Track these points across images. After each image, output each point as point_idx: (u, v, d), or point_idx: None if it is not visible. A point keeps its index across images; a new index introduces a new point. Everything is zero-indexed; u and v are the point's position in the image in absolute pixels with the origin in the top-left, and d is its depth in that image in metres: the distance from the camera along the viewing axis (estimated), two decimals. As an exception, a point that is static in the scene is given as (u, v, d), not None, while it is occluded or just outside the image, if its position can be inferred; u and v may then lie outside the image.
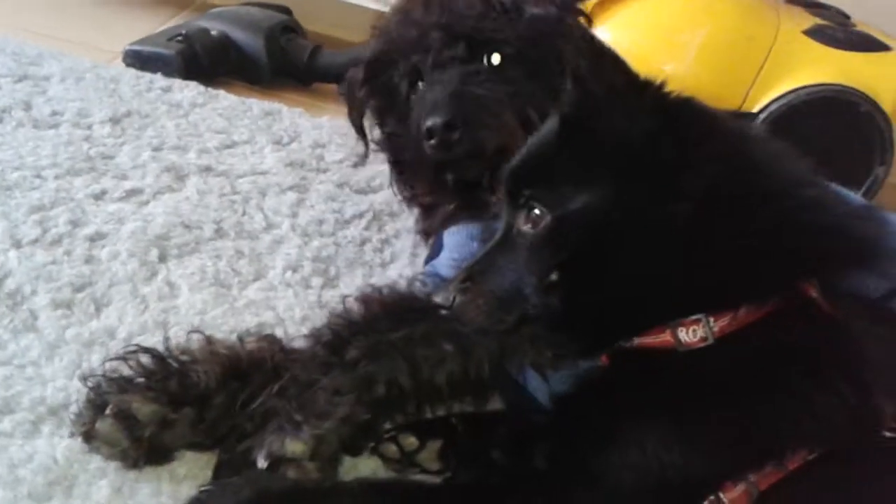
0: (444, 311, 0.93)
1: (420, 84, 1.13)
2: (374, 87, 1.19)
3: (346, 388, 0.85)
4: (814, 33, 1.59)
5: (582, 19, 1.20)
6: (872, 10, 1.74)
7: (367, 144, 1.27)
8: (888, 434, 0.65)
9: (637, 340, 0.74)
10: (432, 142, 1.05)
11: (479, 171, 1.10)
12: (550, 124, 0.78)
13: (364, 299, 0.96)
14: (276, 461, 0.79)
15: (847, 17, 1.70)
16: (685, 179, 0.70)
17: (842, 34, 1.59)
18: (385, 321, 0.93)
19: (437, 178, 1.13)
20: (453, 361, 0.91)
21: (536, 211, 0.75)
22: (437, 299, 0.81)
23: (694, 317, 0.71)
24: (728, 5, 1.57)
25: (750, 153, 0.75)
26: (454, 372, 0.91)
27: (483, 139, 1.06)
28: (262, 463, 0.78)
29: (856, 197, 0.96)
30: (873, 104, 1.54)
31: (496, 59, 1.11)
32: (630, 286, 0.73)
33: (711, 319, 0.71)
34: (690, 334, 0.71)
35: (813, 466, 0.67)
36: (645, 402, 0.72)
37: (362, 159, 1.30)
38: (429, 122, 1.05)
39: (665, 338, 0.72)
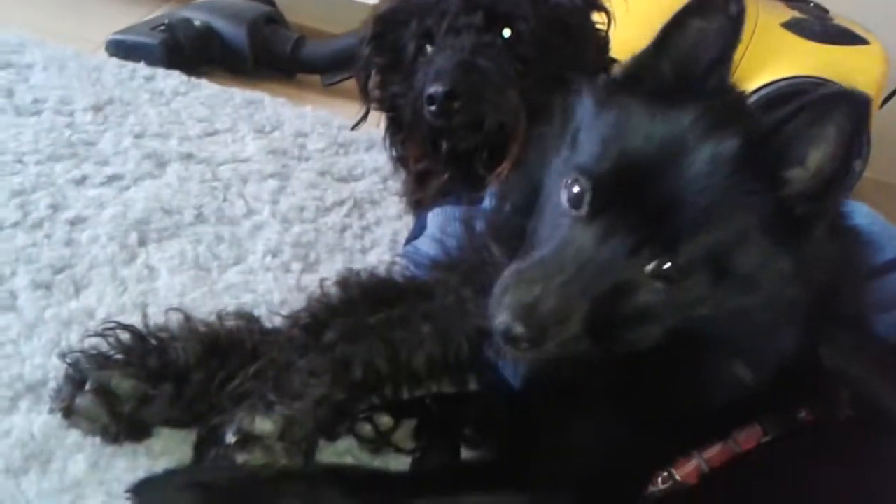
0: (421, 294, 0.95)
1: (429, 47, 1.13)
2: (381, 44, 1.20)
3: (321, 370, 0.84)
4: (792, 26, 1.61)
5: (603, 15, 1.19)
6: (851, 4, 1.77)
7: (368, 104, 1.27)
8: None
9: None
10: (432, 108, 1.06)
11: (475, 143, 1.11)
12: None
13: (342, 283, 0.96)
14: (245, 439, 0.78)
15: (826, 10, 1.73)
16: None
17: (820, 27, 1.61)
18: (363, 305, 0.93)
19: (432, 144, 1.14)
20: (431, 344, 0.91)
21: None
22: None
23: None
24: (706, -2, 1.58)
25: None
26: (432, 355, 0.91)
27: (483, 113, 1.07)
28: (230, 439, 0.77)
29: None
30: (850, 97, 1.56)
31: (508, 33, 1.11)
32: None
33: None
34: None
35: (766, 448, 0.68)
36: (592, 389, 0.75)
37: (363, 119, 1.29)
38: (431, 90, 1.06)
39: None
